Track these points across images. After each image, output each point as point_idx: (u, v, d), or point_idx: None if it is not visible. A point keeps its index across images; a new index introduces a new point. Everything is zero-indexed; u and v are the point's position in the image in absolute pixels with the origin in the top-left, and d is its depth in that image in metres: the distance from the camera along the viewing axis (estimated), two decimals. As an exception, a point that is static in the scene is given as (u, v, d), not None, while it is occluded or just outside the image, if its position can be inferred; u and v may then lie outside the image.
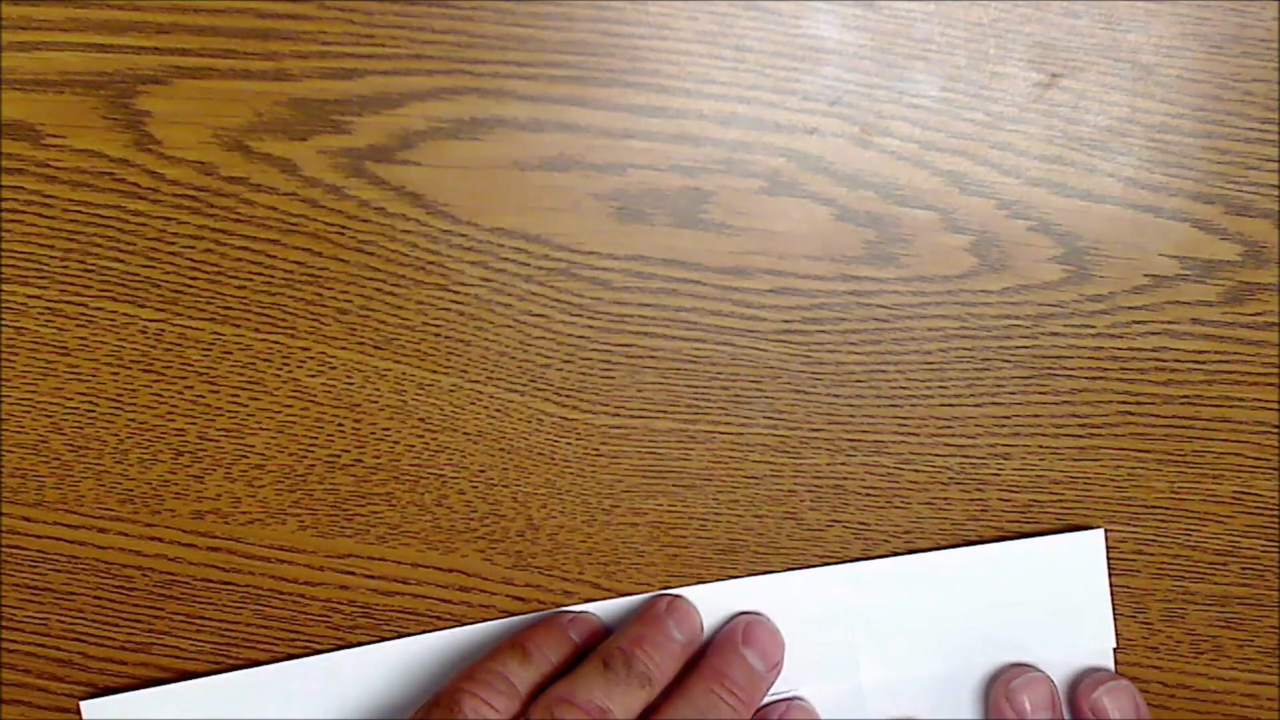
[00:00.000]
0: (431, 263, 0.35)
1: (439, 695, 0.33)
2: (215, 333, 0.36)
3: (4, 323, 0.36)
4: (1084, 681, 0.36)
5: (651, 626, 0.35)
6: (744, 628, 0.36)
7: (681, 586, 0.37)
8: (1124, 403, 0.36)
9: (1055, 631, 0.36)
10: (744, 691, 0.35)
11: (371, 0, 0.34)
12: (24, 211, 0.35)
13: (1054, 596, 0.36)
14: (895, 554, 0.37)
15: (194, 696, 0.37)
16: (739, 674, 0.35)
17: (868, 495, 0.37)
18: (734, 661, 0.35)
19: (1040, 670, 0.36)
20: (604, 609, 0.37)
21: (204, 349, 0.36)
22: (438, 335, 0.36)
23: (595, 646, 0.35)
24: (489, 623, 0.37)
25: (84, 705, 0.37)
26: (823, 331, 0.36)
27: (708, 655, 0.36)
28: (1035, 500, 0.37)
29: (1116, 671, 0.37)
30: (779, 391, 0.36)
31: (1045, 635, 0.36)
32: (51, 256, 0.35)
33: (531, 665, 0.34)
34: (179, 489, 0.37)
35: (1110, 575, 0.37)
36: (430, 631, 0.37)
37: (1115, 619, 0.37)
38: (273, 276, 0.35)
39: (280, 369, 0.36)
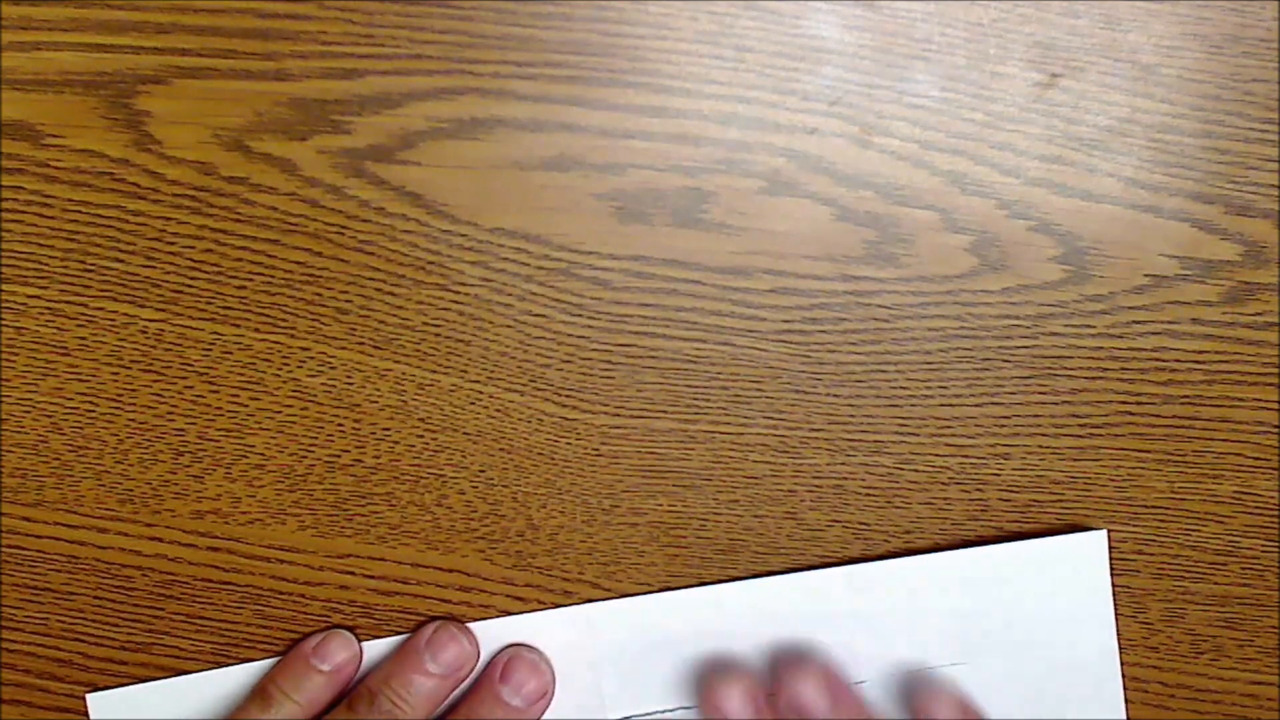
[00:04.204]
0: (431, 263, 0.35)
1: None
2: (215, 333, 0.36)
3: (4, 323, 0.36)
4: (777, 675, 0.35)
5: (403, 663, 0.35)
6: (503, 664, 0.36)
7: (681, 587, 0.37)
8: (1124, 403, 0.36)
9: (1057, 632, 0.36)
10: None
11: (371, 0, 0.34)
12: (24, 211, 0.35)
13: (1056, 597, 0.36)
14: (895, 554, 0.37)
15: (198, 690, 0.37)
16: (490, 713, 0.35)
17: (868, 495, 0.37)
18: (485, 700, 0.35)
19: (741, 674, 0.36)
20: (602, 610, 0.37)
21: (204, 349, 0.36)
22: (438, 335, 0.36)
23: (349, 663, 0.36)
24: (488, 622, 0.37)
25: (90, 699, 0.37)
26: (823, 331, 0.36)
27: (466, 694, 0.36)
28: (1035, 500, 0.37)
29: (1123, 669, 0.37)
30: (779, 391, 0.36)
31: (1047, 636, 0.36)
32: (51, 256, 0.35)
33: (271, 709, 0.35)
34: (179, 489, 0.37)
35: (1110, 575, 0.37)
36: (430, 631, 0.37)
37: (1115, 619, 0.37)
38: (273, 276, 0.35)
39: (280, 369, 0.36)
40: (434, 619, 0.37)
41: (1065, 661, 0.37)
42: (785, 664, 0.35)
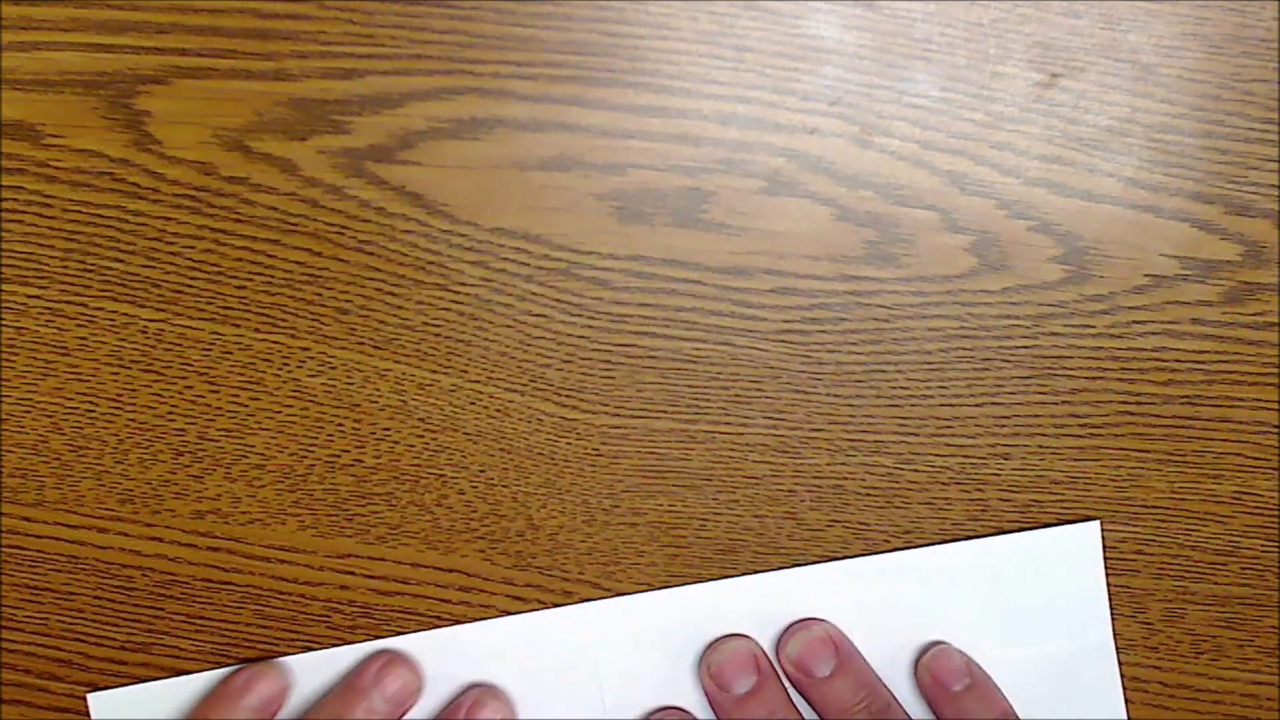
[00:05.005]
0: (431, 263, 0.35)
1: None
2: (215, 333, 0.36)
3: (4, 323, 0.36)
4: (781, 636, 0.36)
5: (349, 699, 0.35)
6: (469, 704, 0.35)
7: (681, 586, 0.37)
8: (1124, 403, 0.36)
9: (1053, 624, 0.36)
10: None
11: (371, 0, 0.34)
12: (24, 211, 0.35)
13: (1052, 589, 0.36)
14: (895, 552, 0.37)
15: (198, 690, 0.37)
16: None
17: (868, 495, 0.37)
18: None
19: (743, 637, 0.36)
20: (602, 610, 0.37)
21: (204, 349, 0.36)
22: (438, 335, 0.36)
23: (276, 699, 0.35)
24: (488, 622, 0.37)
25: (90, 699, 0.37)
26: (823, 331, 0.36)
27: None
28: (1035, 500, 0.37)
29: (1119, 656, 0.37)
30: (779, 391, 0.36)
31: (1043, 628, 0.36)
32: (51, 256, 0.35)
33: None
34: (179, 489, 0.37)
35: (1110, 575, 0.37)
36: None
37: (1115, 619, 0.37)
38: (273, 276, 0.35)
39: (280, 369, 0.36)
40: (379, 652, 0.36)
41: (1062, 653, 0.37)
42: (790, 626, 0.36)
